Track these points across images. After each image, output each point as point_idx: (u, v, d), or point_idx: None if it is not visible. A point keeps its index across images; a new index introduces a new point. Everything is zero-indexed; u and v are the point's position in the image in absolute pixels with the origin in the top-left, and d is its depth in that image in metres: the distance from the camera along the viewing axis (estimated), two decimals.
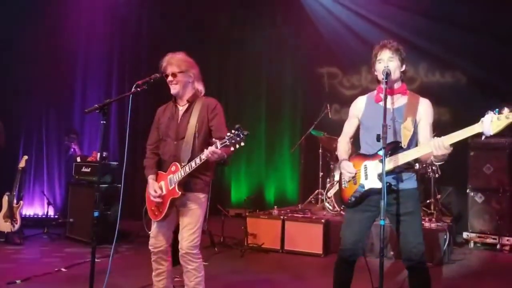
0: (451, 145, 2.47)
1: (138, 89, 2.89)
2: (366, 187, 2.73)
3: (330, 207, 5.93)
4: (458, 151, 6.67)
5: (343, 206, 5.45)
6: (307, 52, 8.22)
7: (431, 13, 7.15)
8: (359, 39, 7.75)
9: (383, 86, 2.64)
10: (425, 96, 2.85)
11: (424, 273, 2.70)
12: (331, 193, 5.95)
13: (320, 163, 6.78)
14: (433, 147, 2.49)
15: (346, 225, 2.86)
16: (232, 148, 2.68)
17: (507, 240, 5.80)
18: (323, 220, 5.25)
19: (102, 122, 2.74)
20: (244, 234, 5.45)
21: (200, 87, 3.11)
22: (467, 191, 6.22)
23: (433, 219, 5.55)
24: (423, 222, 5.38)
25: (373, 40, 7.14)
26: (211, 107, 3.04)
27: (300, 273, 4.55)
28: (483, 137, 2.40)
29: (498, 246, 5.84)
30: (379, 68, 2.72)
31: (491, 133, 2.34)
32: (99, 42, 7.83)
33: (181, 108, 3.09)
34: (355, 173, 2.78)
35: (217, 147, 2.71)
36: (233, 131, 2.66)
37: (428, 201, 6.17)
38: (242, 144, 2.66)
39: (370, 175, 2.72)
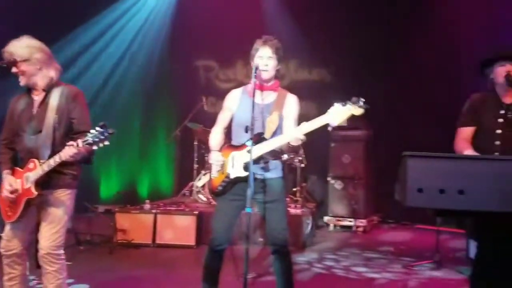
0: (305, 135, 2.69)
1: None
2: (232, 176, 2.85)
3: (204, 198, 6.01)
4: (321, 143, 7.27)
5: (212, 195, 5.59)
6: (184, 44, 8.16)
7: (301, 12, 7.61)
8: (234, 33, 7.93)
9: (252, 80, 2.78)
10: (294, 91, 3.05)
11: (287, 256, 2.91)
12: (200, 183, 6.04)
13: (196, 155, 6.80)
14: (287, 138, 2.69)
15: (216, 215, 2.97)
16: (94, 147, 2.54)
17: (361, 222, 6.51)
18: (196, 212, 5.30)
19: None
20: (113, 231, 5.23)
21: (51, 73, 2.80)
22: (328, 179, 6.83)
23: (298, 206, 5.96)
24: (289, 209, 5.76)
25: (248, 35, 7.47)
26: (71, 96, 2.80)
27: (172, 266, 4.55)
28: (329, 128, 2.63)
29: (353, 228, 6.53)
30: (258, 63, 2.83)
31: (336, 124, 2.60)
32: None
33: (37, 99, 2.80)
34: (223, 163, 2.87)
35: (78, 146, 2.52)
36: (97, 129, 2.51)
37: (294, 189, 6.59)
38: (107, 143, 2.52)
39: (236, 164, 2.84)
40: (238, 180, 2.83)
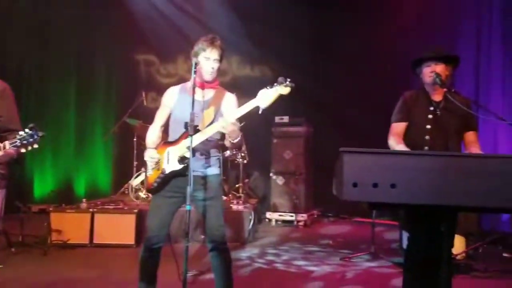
0: (238, 121, 2.72)
1: None
2: (167, 171, 2.82)
3: (144, 196, 5.87)
4: (263, 139, 7.33)
5: (146, 193, 5.50)
6: (123, 38, 7.91)
7: (244, 12, 7.65)
8: (176, 29, 7.85)
9: (192, 76, 2.76)
10: (236, 87, 3.07)
11: (225, 253, 2.90)
12: (136, 182, 5.91)
13: (135, 152, 6.63)
14: (220, 124, 2.67)
15: (151, 212, 2.91)
16: (23, 150, 2.43)
17: (302, 216, 6.65)
18: (135, 210, 5.17)
19: None
20: (47, 231, 4.99)
21: None
22: (270, 174, 6.92)
23: (241, 202, 5.98)
24: (232, 205, 5.78)
25: (189, 31, 7.45)
26: None
27: (110, 266, 4.41)
28: (260, 111, 2.66)
29: (294, 222, 6.66)
30: (204, 64, 2.80)
31: (264, 106, 2.63)
32: None
33: None
34: (158, 160, 2.83)
35: (5, 148, 2.43)
36: (26, 131, 2.42)
37: (237, 185, 6.62)
38: (36, 146, 2.44)
39: (171, 159, 2.82)
40: (174, 174, 2.80)
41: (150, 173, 2.89)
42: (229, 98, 2.96)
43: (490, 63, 6.00)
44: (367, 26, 7.02)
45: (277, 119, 7.05)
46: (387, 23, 6.82)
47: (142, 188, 5.96)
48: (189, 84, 2.93)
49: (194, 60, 2.81)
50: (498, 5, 5.95)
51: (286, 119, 7.01)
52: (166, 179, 2.83)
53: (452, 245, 2.89)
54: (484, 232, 5.21)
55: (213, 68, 2.83)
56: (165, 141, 2.92)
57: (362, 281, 4.08)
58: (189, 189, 2.55)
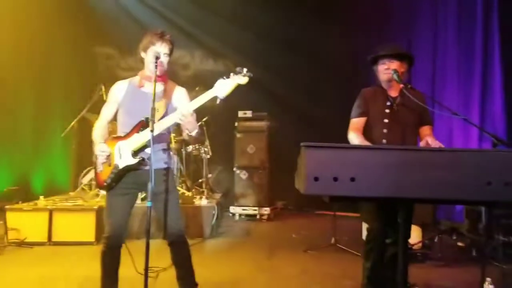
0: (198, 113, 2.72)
1: None
2: (121, 166, 2.77)
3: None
4: (227, 134, 7.31)
5: (98, 190, 5.39)
6: (82, 30, 7.69)
7: (207, 5, 7.60)
8: (136, 22, 7.71)
9: (152, 70, 2.72)
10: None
11: (184, 245, 2.90)
12: (86, 179, 5.78)
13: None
14: (177, 115, 2.66)
15: (109, 213, 2.84)
16: None
17: (265, 210, 6.71)
18: (95, 207, 5.05)
19: None
20: (3, 230, 4.81)
21: None
22: (234, 169, 6.93)
23: (204, 197, 5.95)
24: (194, 200, 5.76)
25: (151, 24, 7.32)
26: None
27: (69, 264, 4.30)
28: (218, 101, 2.66)
29: (258, 216, 6.70)
30: (153, 58, 2.75)
31: (223, 96, 2.64)
32: None
33: None
34: (109, 155, 2.78)
35: None
36: None
37: (200, 180, 6.58)
38: None
39: (124, 154, 2.77)
40: (128, 169, 2.77)
41: (101, 169, 2.83)
42: (180, 92, 2.96)
43: (445, 61, 6.23)
44: (330, 24, 7.13)
45: (240, 113, 7.06)
46: (348, 21, 6.95)
47: (82, 185, 5.83)
48: (136, 78, 2.92)
49: (153, 55, 2.77)
50: (454, 7, 6.17)
51: (249, 113, 7.03)
52: (120, 175, 2.78)
53: (409, 236, 3.00)
54: (439, 222, 5.43)
55: (162, 61, 2.82)
56: (114, 136, 2.86)
57: (325, 272, 4.16)
58: (150, 185, 2.51)
